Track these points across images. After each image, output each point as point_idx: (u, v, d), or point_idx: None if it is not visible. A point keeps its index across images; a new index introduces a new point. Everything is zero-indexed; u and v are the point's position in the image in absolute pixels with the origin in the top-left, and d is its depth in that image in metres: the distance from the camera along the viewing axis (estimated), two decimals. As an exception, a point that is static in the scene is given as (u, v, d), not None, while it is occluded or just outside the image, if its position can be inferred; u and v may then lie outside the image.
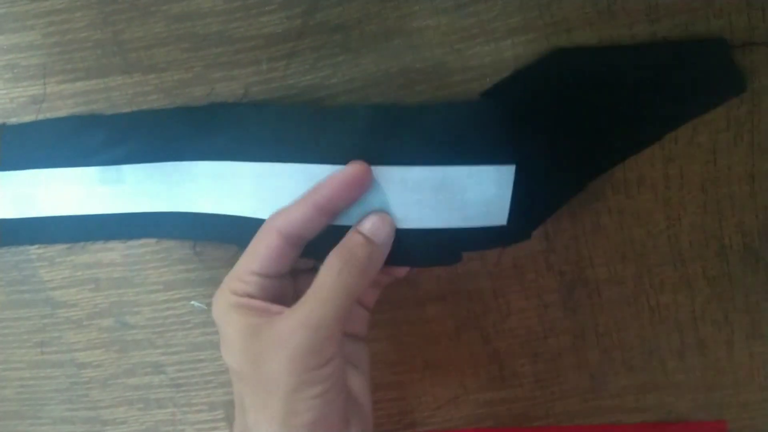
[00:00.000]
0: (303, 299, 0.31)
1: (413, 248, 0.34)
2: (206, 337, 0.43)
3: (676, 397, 0.41)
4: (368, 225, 0.33)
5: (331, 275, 0.31)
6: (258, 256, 0.33)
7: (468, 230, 0.34)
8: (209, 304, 0.42)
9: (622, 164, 0.37)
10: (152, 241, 0.41)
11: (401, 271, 0.37)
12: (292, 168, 0.34)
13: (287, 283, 0.35)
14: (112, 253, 0.41)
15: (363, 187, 0.33)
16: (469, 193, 0.34)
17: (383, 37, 0.36)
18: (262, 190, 0.35)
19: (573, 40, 0.35)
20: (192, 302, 0.42)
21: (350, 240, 0.33)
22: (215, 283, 0.41)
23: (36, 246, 0.42)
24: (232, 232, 0.36)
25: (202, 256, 0.41)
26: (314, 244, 0.34)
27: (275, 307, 0.32)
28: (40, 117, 0.39)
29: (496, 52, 0.36)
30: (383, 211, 0.34)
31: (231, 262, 0.40)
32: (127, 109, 0.38)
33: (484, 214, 0.34)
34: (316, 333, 0.30)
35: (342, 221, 0.34)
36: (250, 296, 0.32)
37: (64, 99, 0.39)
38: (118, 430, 0.46)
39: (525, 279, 0.40)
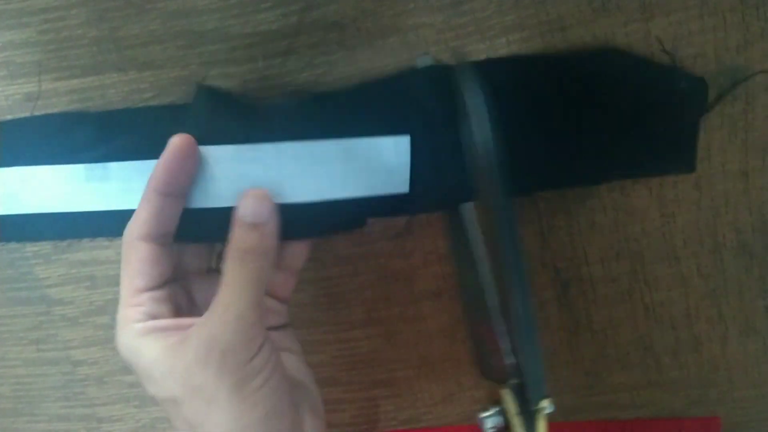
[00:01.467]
0: (213, 304, 0.30)
1: (319, 219, 0.35)
2: (202, 335, 0.43)
3: (670, 394, 0.41)
4: (247, 211, 0.32)
5: (232, 274, 0.31)
6: (135, 274, 0.32)
7: (373, 198, 0.35)
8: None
9: (617, 162, 0.37)
10: (148, 238, 0.41)
11: (305, 251, 0.36)
12: (255, 150, 0.34)
13: (178, 289, 0.34)
14: (108, 250, 0.41)
15: (191, 157, 0.33)
16: (373, 163, 0.35)
17: (379, 34, 0.36)
18: (235, 176, 0.34)
19: (568, 38, 0.35)
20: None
21: (236, 237, 0.32)
22: (211, 280, 0.41)
23: (31, 243, 0.42)
24: (214, 227, 0.35)
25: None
26: (196, 227, 0.34)
27: (185, 321, 0.31)
28: (35, 114, 0.39)
29: (491, 50, 0.36)
30: (257, 189, 0.33)
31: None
32: (122, 107, 0.38)
33: (387, 182, 0.35)
34: (237, 325, 0.30)
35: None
36: (154, 317, 0.31)
37: (59, 96, 0.38)
38: (114, 427, 0.46)
39: (520, 276, 0.40)
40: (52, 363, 0.45)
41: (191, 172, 0.33)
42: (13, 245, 0.42)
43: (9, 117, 0.39)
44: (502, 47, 0.36)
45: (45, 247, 0.42)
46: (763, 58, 0.35)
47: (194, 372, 0.29)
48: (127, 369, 0.44)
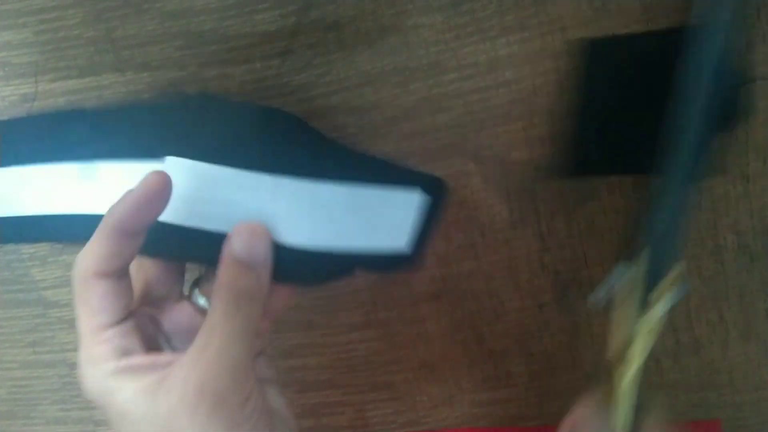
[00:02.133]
0: (200, 345, 0.28)
1: (308, 265, 0.32)
2: (200, 337, 0.43)
3: (670, 397, 0.41)
4: (242, 247, 0.30)
5: (224, 317, 0.29)
6: (96, 311, 0.29)
7: (369, 252, 0.33)
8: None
9: (617, 163, 0.37)
10: (145, 240, 0.41)
11: (289, 298, 0.34)
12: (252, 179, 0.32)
13: (145, 318, 0.32)
14: (105, 252, 0.41)
15: (164, 198, 0.30)
16: (378, 216, 0.33)
17: (378, 34, 0.36)
18: (228, 201, 0.32)
19: (567, 38, 0.35)
20: (185, 302, 0.42)
21: (228, 275, 0.29)
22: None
23: (28, 245, 0.42)
24: (196, 246, 0.32)
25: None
26: (175, 244, 0.32)
27: (160, 358, 0.29)
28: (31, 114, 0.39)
29: (490, 50, 0.35)
30: (252, 222, 0.30)
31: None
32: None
33: (388, 238, 0.34)
34: (232, 372, 0.28)
35: (213, 225, 0.31)
36: (125, 353, 0.29)
37: (55, 97, 0.38)
38: (111, 430, 0.45)
39: (519, 279, 0.39)
40: (48, 365, 0.44)
41: (160, 211, 0.30)
42: (9, 247, 0.42)
43: (6, 118, 0.39)
44: (501, 47, 0.35)
45: (41, 249, 0.42)
46: (765, 61, 0.34)
47: (180, 416, 0.27)
48: (124, 372, 0.43)
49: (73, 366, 0.44)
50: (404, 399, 0.43)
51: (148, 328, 0.32)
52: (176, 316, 0.33)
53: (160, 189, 0.29)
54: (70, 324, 0.43)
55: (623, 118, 0.35)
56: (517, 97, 0.36)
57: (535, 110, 0.36)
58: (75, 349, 0.43)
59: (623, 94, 0.35)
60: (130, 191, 0.29)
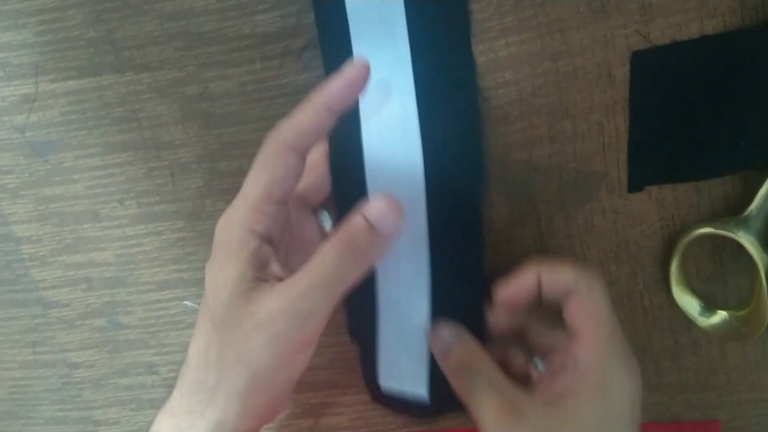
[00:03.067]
0: (297, 279, 0.29)
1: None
2: (199, 337, 0.43)
3: (669, 397, 0.41)
4: (375, 210, 0.31)
5: (330, 261, 0.30)
6: (276, 182, 0.30)
7: None
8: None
9: (617, 165, 0.37)
10: (145, 241, 0.41)
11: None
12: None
13: (306, 217, 0.34)
14: (105, 252, 0.41)
15: (365, 80, 0.32)
16: None
17: (377, 36, 0.36)
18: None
19: (567, 40, 0.35)
20: (185, 302, 0.42)
21: (353, 225, 0.30)
22: (208, 282, 0.41)
23: (28, 245, 0.42)
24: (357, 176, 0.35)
25: (194, 257, 0.41)
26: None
27: (274, 267, 0.31)
28: (32, 116, 0.39)
29: (489, 51, 0.35)
30: (391, 196, 0.31)
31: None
32: (119, 109, 0.38)
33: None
34: (305, 320, 0.29)
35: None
36: (268, 236, 0.30)
37: (56, 98, 0.38)
38: (111, 430, 0.45)
39: (519, 279, 0.39)
40: (48, 366, 0.44)
41: (357, 95, 0.32)
42: (9, 247, 0.42)
43: (5, 118, 0.39)
44: (501, 49, 0.35)
45: (41, 249, 0.42)
46: None
47: (248, 329, 0.29)
48: (123, 372, 0.44)
49: (72, 366, 0.44)
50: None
51: (282, 226, 0.32)
52: (302, 226, 0.34)
53: (363, 76, 0.31)
54: (70, 324, 0.43)
55: (676, 125, 0.35)
56: (517, 98, 0.36)
57: (535, 111, 0.36)
58: (75, 350, 0.44)
59: (672, 102, 0.35)
60: (339, 74, 0.31)
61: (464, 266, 0.37)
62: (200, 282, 0.41)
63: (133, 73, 0.38)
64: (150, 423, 0.45)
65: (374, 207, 0.31)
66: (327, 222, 0.33)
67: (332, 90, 0.31)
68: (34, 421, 0.46)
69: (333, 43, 0.36)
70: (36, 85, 0.38)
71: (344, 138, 0.36)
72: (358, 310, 0.38)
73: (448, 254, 0.36)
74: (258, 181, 0.31)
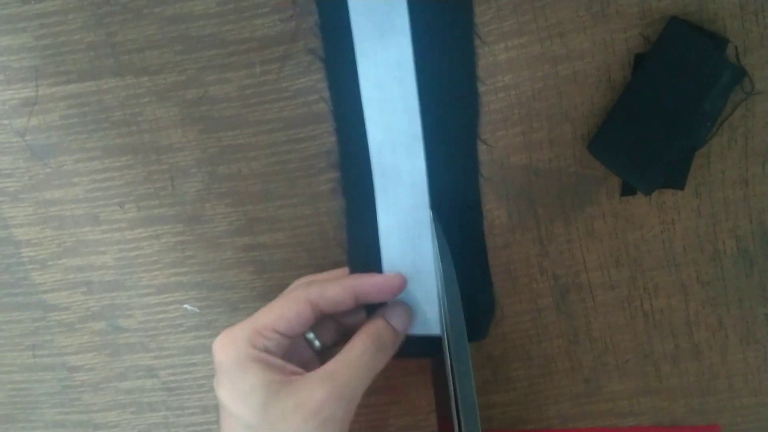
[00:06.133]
0: (338, 370, 0.33)
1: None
2: (199, 341, 0.43)
3: (670, 402, 0.41)
4: (398, 318, 0.36)
5: (363, 351, 0.34)
6: (285, 320, 0.34)
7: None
8: (201, 308, 0.42)
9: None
10: (144, 244, 0.41)
11: None
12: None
13: (296, 342, 0.36)
14: (105, 256, 0.41)
15: (397, 293, 0.37)
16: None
17: (377, 40, 0.36)
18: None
19: (567, 43, 0.35)
20: (184, 305, 0.42)
21: (379, 325, 0.36)
22: (207, 286, 0.41)
23: (28, 249, 0.42)
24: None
25: (193, 260, 0.41)
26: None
27: (290, 366, 0.34)
28: (32, 120, 0.39)
29: (489, 55, 0.35)
30: (407, 306, 0.37)
31: (222, 266, 0.40)
32: (119, 112, 0.38)
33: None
34: (348, 405, 0.33)
35: None
36: (269, 352, 0.34)
37: (56, 101, 0.38)
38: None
39: (519, 283, 0.39)
40: (47, 369, 0.44)
41: (384, 300, 0.37)
42: (9, 250, 0.42)
43: (6, 122, 0.39)
44: (500, 53, 0.35)
45: (41, 252, 0.42)
46: (763, 65, 0.34)
47: (286, 420, 0.32)
48: (123, 375, 0.44)
49: (72, 369, 0.44)
50: (404, 403, 0.43)
51: (292, 350, 0.36)
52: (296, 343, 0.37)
53: (398, 289, 0.37)
54: (70, 327, 0.43)
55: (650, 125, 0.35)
56: (516, 102, 0.36)
57: (534, 115, 0.36)
58: (74, 353, 0.44)
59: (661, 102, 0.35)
60: (379, 277, 0.37)
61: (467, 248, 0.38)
62: (200, 285, 0.41)
63: (132, 77, 0.38)
64: (150, 425, 0.45)
65: (397, 313, 0.37)
66: (315, 341, 0.37)
67: (366, 284, 0.36)
68: (33, 424, 0.46)
69: (335, 47, 0.36)
70: (36, 89, 0.38)
71: (351, 139, 0.37)
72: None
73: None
74: (269, 314, 0.34)
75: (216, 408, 0.44)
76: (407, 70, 0.34)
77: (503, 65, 0.36)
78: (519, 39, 0.35)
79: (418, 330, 0.38)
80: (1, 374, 0.45)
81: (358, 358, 0.34)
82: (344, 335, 0.38)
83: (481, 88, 0.36)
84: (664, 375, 0.40)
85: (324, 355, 0.37)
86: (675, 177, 0.36)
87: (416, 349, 0.39)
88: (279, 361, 0.33)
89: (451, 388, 0.36)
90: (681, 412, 0.41)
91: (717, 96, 0.33)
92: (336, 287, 0.35)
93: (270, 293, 0.41)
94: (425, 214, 0.36)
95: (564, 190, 0.37)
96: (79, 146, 0.39)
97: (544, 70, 0.36)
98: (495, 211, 0.38)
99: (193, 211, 0.40)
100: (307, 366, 0.35)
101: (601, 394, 0.41)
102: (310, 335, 0.37)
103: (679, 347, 0.40)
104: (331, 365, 0.33)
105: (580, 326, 0.40)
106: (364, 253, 0.38)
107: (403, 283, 0.37)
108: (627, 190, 0.37)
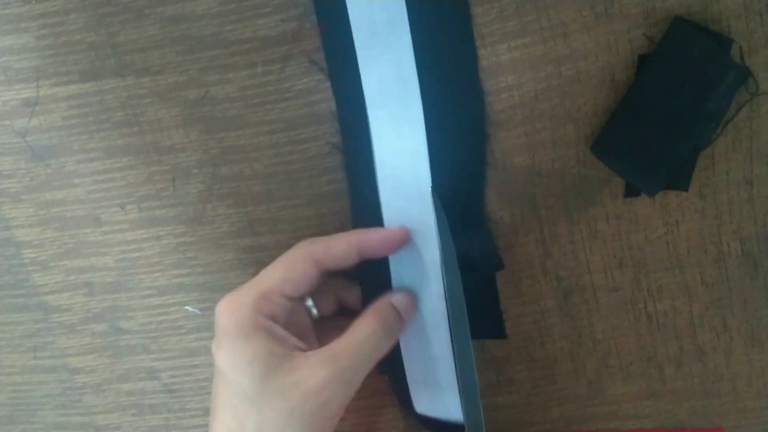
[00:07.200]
0: (342, 351, 0.33)
1: None
2: (200, 343, 0.43)
3: (674, 404, 0.41)
4: (401, 301, 0.36)
5: (369, 335, 0.33)
6: (290, 281, 0.34)
7: None
8: (203, 309, 0.42)
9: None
10: (146, 245, 0.41)
11: None
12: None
13: (299, 306, 0.36)
14: (106, 257, 0.41)
15: (400, 247, 0.36)
16: None
17: (379, 40, 0.35)
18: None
19: (570, 44, 0.35)
20: (186, 307, 0.42)
21: (384, 308, 0.35)
22: (209, 288, 0.41)
23: (29, 250, 0.42)
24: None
25: (195, 261, 0.41)
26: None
27: (293, 339, 0.33)
28: (33, 120, 0.39)
29: (492, 56, 0.35)
30: (411, 292, 0.37)
31: (223, 268, 0.40)
32: (120, 113, 0.38)
33: None
34: (348, 389, 0.32)
35: None
36: (275, 319, 0.33)
37: (57, 102, 0.38)
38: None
39: (522, 284, 0.39)
40: (49, 371, 0.44)
41: (388, 254, 0.37)
42: (11, 251, 0.42)
43: (7, 122, 0.39)
44: (503, 53, 0.35)
45: (42, 254, 0.42)
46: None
47: (283, 396, 0.31)
48: (124, 377, 0.44)
49: (73, 371, 0.44)
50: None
51: (295, 317, 0.35)
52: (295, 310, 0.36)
53: (402, 242, 0.36)
54: (71, 329, 0.43)
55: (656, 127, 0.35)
56: (519, 103, 0.36)
57: (537, 115, 0.36)
58: (76, 355, 0.44)
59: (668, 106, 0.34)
60: (383, 231, 0.36)
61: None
62: (201, 287, 0.41)
63: (134, 77, 0.38)
64: (151, 427, 0.45)
65: (401, 297, 0.36)
66: (313, 309, 0.37)
67: (370, 238, 0.35)
68: (34, 426, 0.46)
69: (336, 48, 0.35)
70: (37, 89, 0.38)
71: (356, 141, 0.37)
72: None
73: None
74: (274, 275, 0.34)
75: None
76: (409, 72, 0.34)
77: (506, 65, 0.35)
78: (522, 39, 0.35)
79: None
80: (2, 376, 0.45)
81: (365, 342, 0.33)
82: (341, 309, 0.38)
83: (484, 89, 0.36)
84: (668, 377, 0.40)
85: (319, 325, 0.37)
86: (679, 178, 0.36)
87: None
88: (283, 332, 0.33)
89: (457, 388, 0.35)
90: (685, 414, 0.41)
91: (721, 97, 0.33)
92: (340, 241, 0.35)
93: (272, 295, 0.41)
94: (430, 219, 0.36)
95: (567, 191, 0.37)
96: (80, 147, 0.39)
97: (547, 71, 0.35)
98: (498, 212, 0.38)
99: (194, 212, 0.40)
100: (303, 336, 0.35)
101: (605, 396, 0.41)
102: (309, 302, 0.36)
103: (683, 349, 0.40)
104: (336, 346, 0.33)
105: (583, 328, 0.40)
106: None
107: (406, 236, 0.36)
108: (630, 192, 0.37)
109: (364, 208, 0.38)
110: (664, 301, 0.39)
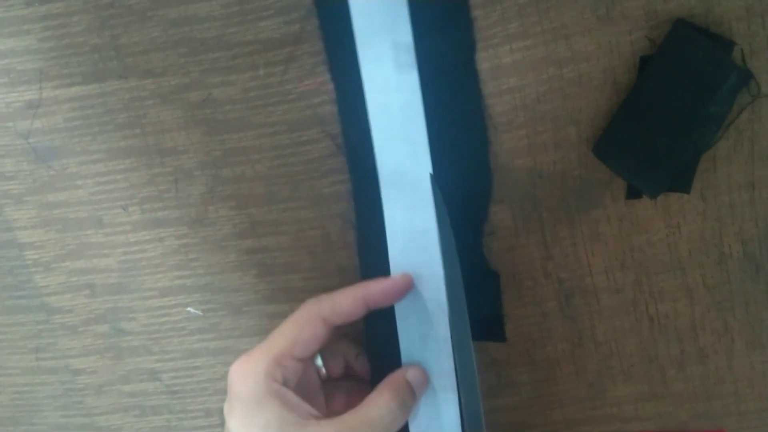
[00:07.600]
0: (351, 424, 0.32)
1: None
2: (202, 344, 0.43)
3: (675, 406, 0.41)
4: (416, 378, 0.36)
5: (382, 409, 0.33)
6: (301, 343, 0.34)
7: None
8: (205, 311, 0.42)
9: (621, 171, 0.37)
10: (148, 247, 0.41)
11: None
12: None
13: (308, 366, 0.36)
14: (108, 259, 0.41)
15: (404, 294, 0.36)
16: None
17: (381, 42, 0.35)
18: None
19: (572, 46, 0.35)
20: (188, 308, 0.42)
21: (400, 383, 0.35)
22: (210, 289, 0.41)
23: (31, 251, 0.42)
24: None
25: (197, 263, 0.41)
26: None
27: (306, 406, 0.33)
28: (36, 122, 0.39)
29: (494, 58, 0.35)
30: (425, 371, 0.36)
31: (225, 269, 0.40)
32: (123, 115, 0.38)
33: None
34: None
35: None
36: (287, 384, 0.33)
37: (60, 104, 0.38)
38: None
39: (523, 286, 0.39)
40: (50, 372, 0.44)
41: (393, 303, 0.36)
42: (13, 253, 0.42)
43: (10, 124, 0.39)
44: (505, 55, 0.35)
45: (45, 255, 0.42)
46: (769, 68, 0.34)
47: None
48: (126, 378, 0.44)
49: (75, 372, 0.44)
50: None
51: (305, 379, 0.36)
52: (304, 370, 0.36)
53: (405, 290, 0.36)
54: (73, 330, 0.43)
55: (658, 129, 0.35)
56: (521, 105, 0.36)
57: (539, 117, 0.36)
58: (78, 356, 0.44)
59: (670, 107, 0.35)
60: (385, 281, 0.36)
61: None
62: (203, 288, 0.41)
63: (136, 79, 0.38)
64: (152, 429, 0.45)
65: (416, 374, 0.36)
66: (322, 369, 0.37)
67: (375, 290, 0.35)
68: (36, 427, 0.46)
69: (338, 49, 0.36)
70: (40, 91, 0.38)
71: (358, 142, 0.37)
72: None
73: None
74: (285, 338, 0.34)
75: (219, 412, 0.44)
76: (410, 73, 0.34)
77: (508, 68, 0.35)
78: (524, 41, 0.35)
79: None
80: (4, 377, 0.45)
81: (380, 418, 0.33)
82: (349, 372, 0.39)
83: (486, 91, 0.36)
84: (670, 379, 0.40)
85: (327, 387, 0.37)
86: (681, 180, 0.36)
87: None
88: (296, 399, 0.33)
89: (458, 392, 0.35)
90: (686, 416, 0.41)
91: (723, 99, 0.33)
92: (346, 298, 0.35)
93: (273, 296, 0.41)
94: (432, 224, 0.36)
95: (569, 193, 0.37)
96: (82, 149, 0.39)
97: (548, 73, 0.36)
98: (499, 214, 0.38)
99: (196, 213, 0.40)
100: (312, 396, 0.35)
101: (606, 398, 0.41)
102: (319, 362, 0.37)
103: (684, 351, 0.40)
104: (350, 419, 0.33)
105: (584, 330, 0.40)
106: (373, 261, 0.38)
107: (409, 283, 0.36)
108: (632, 194, 0.37)
109: (367, 212, 0.38)
110: (665, 303, 0.39)
